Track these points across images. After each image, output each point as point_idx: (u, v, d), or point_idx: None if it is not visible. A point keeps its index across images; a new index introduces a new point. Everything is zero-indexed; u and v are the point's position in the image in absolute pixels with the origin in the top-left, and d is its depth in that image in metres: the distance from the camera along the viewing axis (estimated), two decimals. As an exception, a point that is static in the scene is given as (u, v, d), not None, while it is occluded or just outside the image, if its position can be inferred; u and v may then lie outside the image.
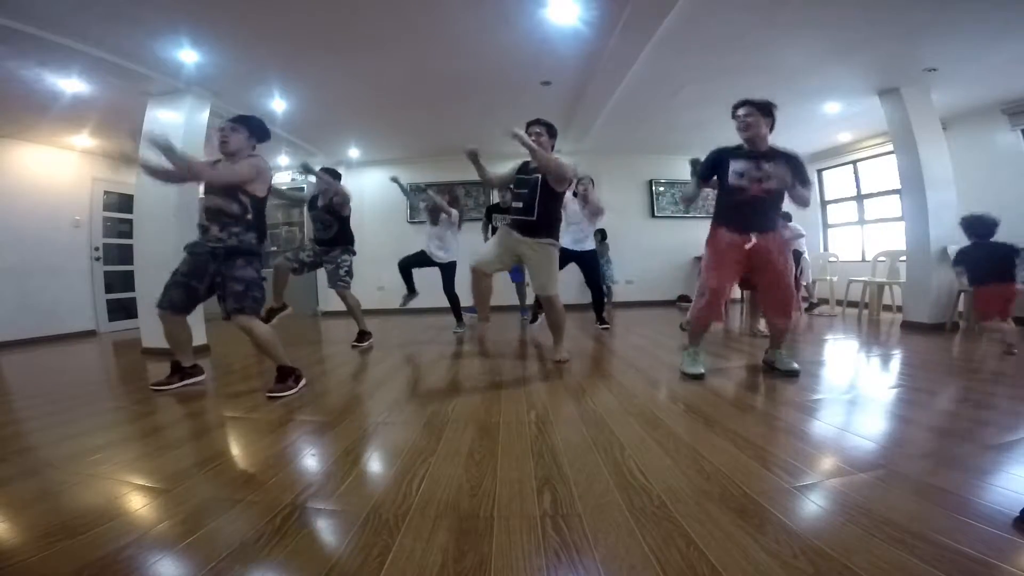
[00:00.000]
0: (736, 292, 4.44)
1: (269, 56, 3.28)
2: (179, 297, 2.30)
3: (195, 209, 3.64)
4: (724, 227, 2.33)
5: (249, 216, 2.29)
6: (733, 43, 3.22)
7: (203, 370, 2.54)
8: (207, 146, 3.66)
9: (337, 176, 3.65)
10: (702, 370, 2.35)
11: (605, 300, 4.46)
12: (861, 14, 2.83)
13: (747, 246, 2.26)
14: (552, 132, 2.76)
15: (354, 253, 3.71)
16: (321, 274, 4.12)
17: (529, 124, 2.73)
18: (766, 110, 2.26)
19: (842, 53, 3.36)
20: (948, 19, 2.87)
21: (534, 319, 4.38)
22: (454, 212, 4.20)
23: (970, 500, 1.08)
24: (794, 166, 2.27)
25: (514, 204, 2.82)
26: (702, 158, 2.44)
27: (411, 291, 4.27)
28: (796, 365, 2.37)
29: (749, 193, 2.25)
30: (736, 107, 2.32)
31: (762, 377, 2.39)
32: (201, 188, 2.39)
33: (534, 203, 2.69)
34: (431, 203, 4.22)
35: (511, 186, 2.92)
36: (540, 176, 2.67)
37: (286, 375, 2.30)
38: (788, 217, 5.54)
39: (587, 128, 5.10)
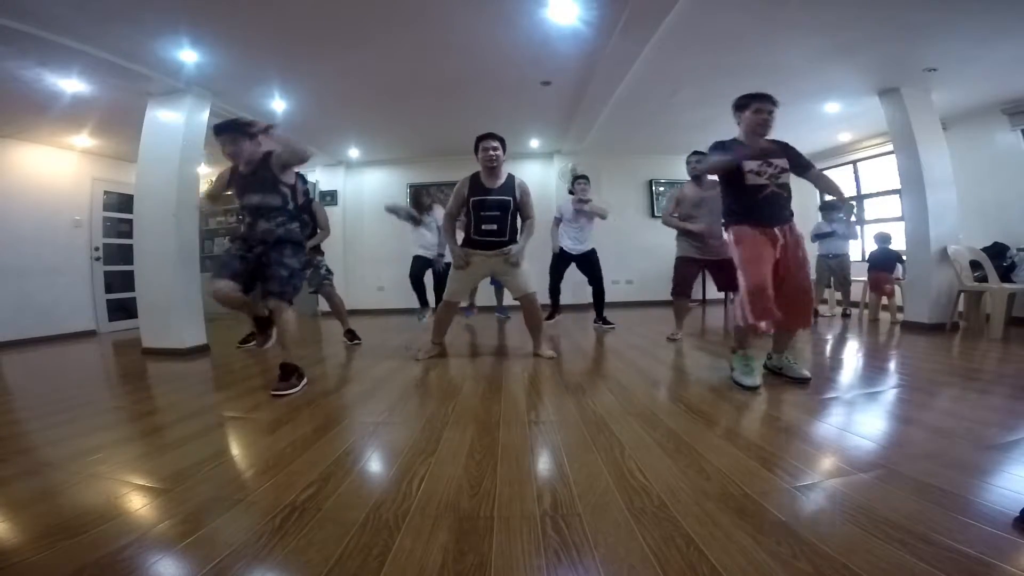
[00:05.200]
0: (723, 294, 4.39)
1: (269, 56, 3.28)
2: (239, 267, 2.27)
3: (194, 207, 3.66)
4: (748, 225, 2.22)
5: (290, 206, 2.36)
6: (733, 43, 3.22)
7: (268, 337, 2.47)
8: (207, 146, 3.66)
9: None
10: (758, 381, 2.14)
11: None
12: (861, 14, 2.82)
13: (778, 241, 2.18)
14: (504, 146, 2.87)
15: (323, 252, 3.69)
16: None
17: (482, 138, 2.83)
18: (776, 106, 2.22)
19: (842, 53, 3.36)
20: (948, 19, 2.86)
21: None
22: (437, 210, 4.30)
23: (970, 500, 1.08)
24: (790, 154, 2.26)
25: (485, 227, 2.83)
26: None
27: (424, 303, 4.33)
28: (807, 372, 2.25)
29: (769, 190, 2.20)
30: (761, 99, 2.18)
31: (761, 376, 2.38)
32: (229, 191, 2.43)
33: (507, 224, 2.86)
34: (405, 215, 4.37)
35: (477, 210, 2.84)
36: (511, 199, 2.82)
37: (290, 373, 2.31)
38: (836, 207, 5.36)
39: (587, 128, 5.10)
